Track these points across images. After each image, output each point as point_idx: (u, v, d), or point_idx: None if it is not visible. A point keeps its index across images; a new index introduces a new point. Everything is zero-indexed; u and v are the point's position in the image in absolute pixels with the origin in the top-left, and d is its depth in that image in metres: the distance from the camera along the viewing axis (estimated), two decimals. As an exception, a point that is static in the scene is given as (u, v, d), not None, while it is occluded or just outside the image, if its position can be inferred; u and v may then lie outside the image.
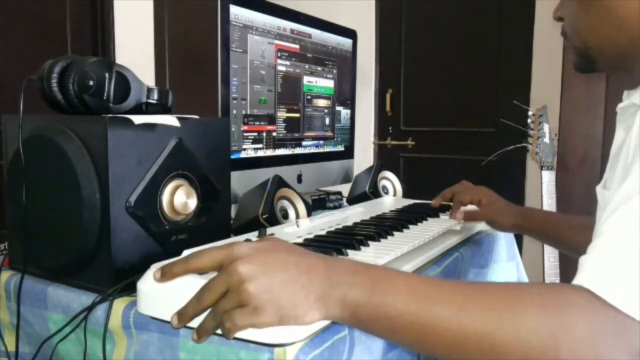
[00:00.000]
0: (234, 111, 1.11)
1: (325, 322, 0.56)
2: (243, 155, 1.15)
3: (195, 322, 0.54)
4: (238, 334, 0.52)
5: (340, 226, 0.92)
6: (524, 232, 1.05)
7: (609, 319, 0.44)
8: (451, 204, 1.10)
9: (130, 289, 0.67)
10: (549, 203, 1.60)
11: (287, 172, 1.24)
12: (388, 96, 2.79)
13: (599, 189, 0.70)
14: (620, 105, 0.67)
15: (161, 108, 0.79)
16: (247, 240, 0.77)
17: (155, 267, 0.62)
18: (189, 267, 0.55)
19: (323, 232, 0.87)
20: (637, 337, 0.44)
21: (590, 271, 0.47)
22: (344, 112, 1.54)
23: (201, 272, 0.56)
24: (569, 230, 0.93)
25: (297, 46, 1.30)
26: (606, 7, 0.62)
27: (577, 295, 0.46)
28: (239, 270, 0.50)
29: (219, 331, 0.53)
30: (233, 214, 0.99)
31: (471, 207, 1.07)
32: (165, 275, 0.56)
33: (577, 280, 0.47)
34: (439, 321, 0.48)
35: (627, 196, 0.49)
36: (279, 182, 1.02)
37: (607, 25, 0.63)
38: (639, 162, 0.50)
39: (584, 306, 0.45)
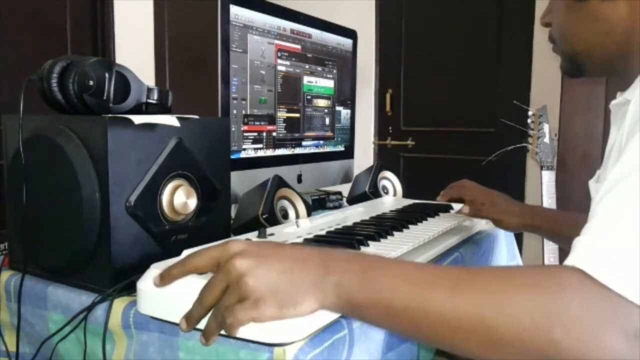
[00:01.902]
0: (234, 111, 1.11)
1: (325, 321, 0.56)
2: (243, 155, 1.15)
3: (202, 324, 0.54)
4: (238, 334, 0.52)
5: (340, 226, 0.92)
6: (532, 231, 1.04)
7: (602, 298, 0.44)
8: (453, 204, 1.11)
9: (130, 289, 0.67)
10: (549, 203, 1.60)
11: (287, 172, 1.24)
12: (388, 96, 2.79)
13: (591, 182, 0.70)
14: (613, 102, 0.67)
15: (161, 108, 0.79)
16: (247, 240, 0.78)
17: (155, 267, 0.62)
18: (186, 268, 0.56)
19: (323, 232, 0.87)
20: (630, 317, 0.43)
21: (583, 251, 0.47)
22: (344, 112, 1.54)
23: (199, 272, 0.56)
24: (578, 230, 0.92)
25: (297, 46, 1.30)
26: (594, 13, 0.62)
27: (569, 275, 0.46)
28: (236, 265, 0.51)
29: (223, 331, 0.53)
30: (233, 214, 0.99)
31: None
32: (164, 279, 0.57)
33: (569, 261, 0.47)
34: (432, 304, 0.49)
35: (619, 178, 0.49)
36: (279, 182, 1.02)
37: (596, 31, 0.63)
38: (630, 146, 0.50)
39: (576, 286, 0.45)
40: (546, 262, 1.56)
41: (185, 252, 0.67)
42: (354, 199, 1.33)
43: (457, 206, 1.14)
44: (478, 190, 1.05)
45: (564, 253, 1.40)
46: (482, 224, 1.11)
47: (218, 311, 0.52)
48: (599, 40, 0.63)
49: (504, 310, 0.46)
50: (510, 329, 0.46)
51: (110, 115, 0.72)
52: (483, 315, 0.47)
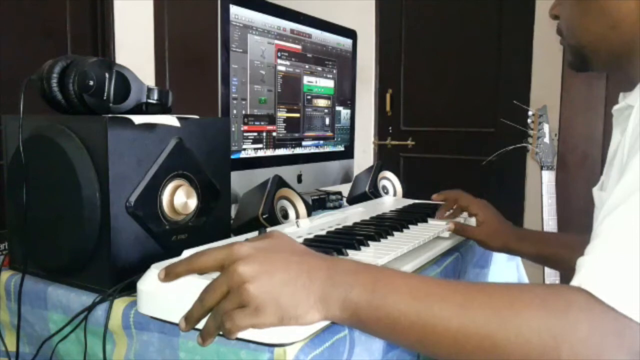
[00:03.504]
0: (234, 111, 1.11)
1: (326, 322, 0.56)
2: (243, 155, 1.15)
3: (202, 325, 0.54)
4: (239, 334, 0.52)
5: (340, 226, 0.92)
6: (514, 254, 1.01)
7: (608, 319, 0.44)
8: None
9: (130, 289, 0.67)
10: (549, 203, 1.60)
11: (287, 172, 1.24)
12: (388, 96, 2.79)
13: (595, 190, 0.69)
14: (615, 107, 0.66)
15: (161, 108, 0.79)
16: (247, 240, 0.78)
17: (155, 267, 0.62)
18: (191, 267, 0.55)
19: (323, 232, 0.87)
20: (637, 338, 0.44)
21: (589, 272, 0.47)
22: (344, 112, 1.54)
23: (203, 272, 0.56)
24: (565, 250, 0.89)
25: (297, 46, 1.30)
26: (602, 6, 0.62)
27: (576, 296, 0.46)
28: (239, 270, 0.50)
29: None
30: (233, 214, 0.99)
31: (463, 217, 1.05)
32: (169, 275, 0.56)
33: (575, 281, 0.47)
34: (440, 321, 0.48)
35: (623, 196, 0.48)
36: (279, 182, 1.02)
37: (602, 25, 0.63)
38: (633, 162, 0.50)
39: (583, 307, 0.45)
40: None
41: (186, 252, 0.67)
42: (354, 199, 1.33)
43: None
44: (472, 201, 1.01)
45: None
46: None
47: (217, 314, 0.51)
48: (605, 35, 0.63)
49: (512, 328, 0.46)
50: (517, 348, 0.46)
51: (110, 115, 0.72)
52: (490, 333, 0.47)
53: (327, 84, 1.44)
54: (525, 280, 1.26)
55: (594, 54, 0.66)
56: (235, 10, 1.09)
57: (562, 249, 0.90)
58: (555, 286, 0.50)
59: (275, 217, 0.96)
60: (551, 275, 1.55)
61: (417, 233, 0.90)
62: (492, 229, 0.97)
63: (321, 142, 1.44)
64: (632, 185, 0.48)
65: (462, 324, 0.48)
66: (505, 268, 1.19)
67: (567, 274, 0.50)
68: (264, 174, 1.07)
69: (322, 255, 0.56)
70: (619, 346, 0.44)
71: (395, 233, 0.89)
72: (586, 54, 0.67)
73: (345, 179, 1.54)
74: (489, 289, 0.51)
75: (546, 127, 1.65)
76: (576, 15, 0.66)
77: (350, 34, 1.53)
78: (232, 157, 1.10)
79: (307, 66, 1.34)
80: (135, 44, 2.39)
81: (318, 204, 1.39)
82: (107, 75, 0.72)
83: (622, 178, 0.50)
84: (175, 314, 0.56)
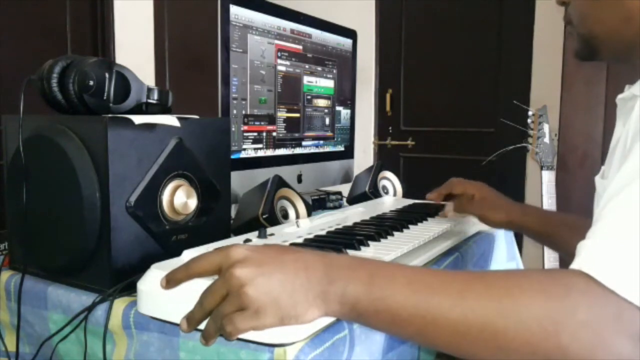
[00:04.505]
0: (234, 111, 1.11)
1: (326, 322, 0.56)
2: (243, 155, 1.15)
3: (203, 325, 0.54)
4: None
5: (340, 226, 0.92)
6: (518, 230, 1.00)
7: (608, 303, 0.44)
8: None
9: (130, 289, 0.67)
10: (549, 203, 1.61)
11: (287, 172, 1.24)
12: (388, 96, 2.79)
13: (597, 178, 0.69)
14: (620, 96, 0.66)
15: (161, 108, 0.79)
16: (247, 240, 0.78)
17: (155, 267, 0.62)
18: (190, 272, 0.55)
19: (323, 232, 0.87)
20: (635, 320, 0.43)
21: (589, 255, 0.47)
22: (344, 112, 1.54)
23: (202, 276, 0.56)
24: (568, 231, 0.88)
25: (297, 46, 1.30)
26: None
27: (576, 279, 0.46)
28: (236, 274, 0.50)
29: None
30: (233, 214, 0.99)
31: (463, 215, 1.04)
32: (170, 283, 0.56)
33: (575, 265, 0.47)
34: (439, 312, 0.48)
35: (625, 182, 0.48)
36: (279, 182, 1.02)
37: (616, 16, 0.62)
38: (636, 149, 0.50)
39: (583, 291, 0.45)
40: (546, 261, 1.56)
41: (186, 252, 0.67)
42: (354, 199, 1.33)
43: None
44: (467, 183, 1.01)
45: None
46: (481, 224, 1.11)
47: (217, 317, 0.51)
48: (618, 26, 0.62)
49: (512, 315, 0.46)
50: (517, 335, 0.46)
51: (110, 115, 0.72)
52: (490, 321, 0.46)
53: (327, 84, 1.44)
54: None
55: (604, 44, 0.65)
56: (235, 10, 1.09)
57: (564, 229, 0.90)
58: (554, 271, 0.49)
59: (275, 217, 0.96)
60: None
61: (417, 233, 0.90)
62: (492, 203, 0.96)
63: (321, 142, 1.44)
64: (633, 171, 0.48)
65: (462, 314, 0.47)
66: (506, 267, 1.19)
67: (567, 258, 0.50)
68: (264, 174, 1.07)
69: (317, 251, 0.56)
70: (618, 329, 0.44)
71: (395, 233, 0.89)
72: (596, 45, 0.66)
73: (345, 179, 1.54)
74: (487, 277, 0.50)
75: (546, 127, 1.65)
76: (589, 5, 0.65)
77: (350, 34, 1.53)
78: (232, 157, 1.10)
79: (307, 66, 1.34)
80: (135, 44, 2.39)
81: (318, 204, 1.39)
82: (107, 75, 0.72)
83: (624, 165, 0.50)
84: (176, 314, 0.56)
